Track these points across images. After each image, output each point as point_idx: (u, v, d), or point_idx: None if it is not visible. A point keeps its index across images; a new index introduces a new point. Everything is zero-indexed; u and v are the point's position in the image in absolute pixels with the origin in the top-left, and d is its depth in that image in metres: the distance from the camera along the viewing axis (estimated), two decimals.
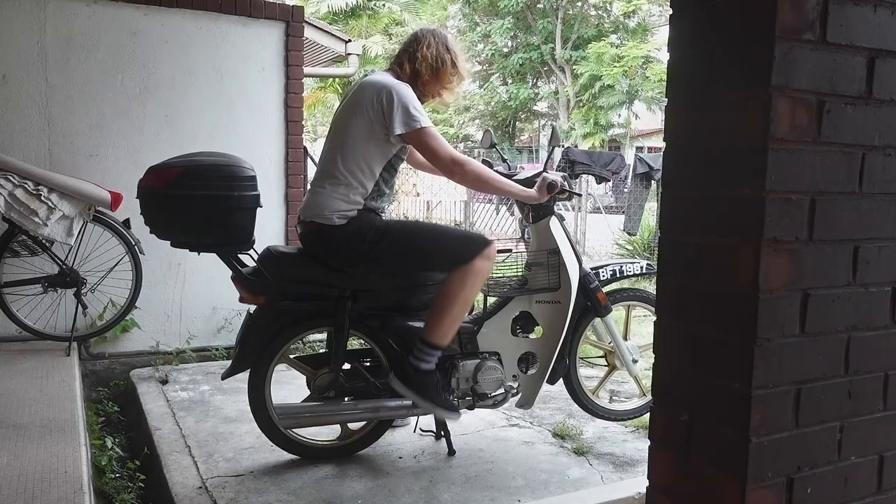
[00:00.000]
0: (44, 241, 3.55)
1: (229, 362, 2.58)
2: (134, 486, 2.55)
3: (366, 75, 2.67)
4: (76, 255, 3.67)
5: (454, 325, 2.47)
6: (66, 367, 3.37)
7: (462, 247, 2.45)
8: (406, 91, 2.41)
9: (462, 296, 2.42)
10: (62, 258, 3.64)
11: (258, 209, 2.50)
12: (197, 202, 2.36)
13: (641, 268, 3.00)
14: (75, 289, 3.65)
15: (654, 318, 1.36)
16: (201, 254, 2.65)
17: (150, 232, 2.45)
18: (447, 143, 2.49)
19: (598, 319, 2.88)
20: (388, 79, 2.46)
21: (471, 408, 2.64)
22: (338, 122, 2.49)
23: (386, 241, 2.41)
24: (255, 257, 2.54)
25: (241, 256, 2.56)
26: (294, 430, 2.59)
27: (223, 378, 2.57)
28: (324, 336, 3.13)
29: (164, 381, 3.57)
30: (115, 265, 3.71)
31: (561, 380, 2.85)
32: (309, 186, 2.63)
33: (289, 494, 2.35)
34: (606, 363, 3.05)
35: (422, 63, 2.51)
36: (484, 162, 2.79)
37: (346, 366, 2.58)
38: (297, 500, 2.31)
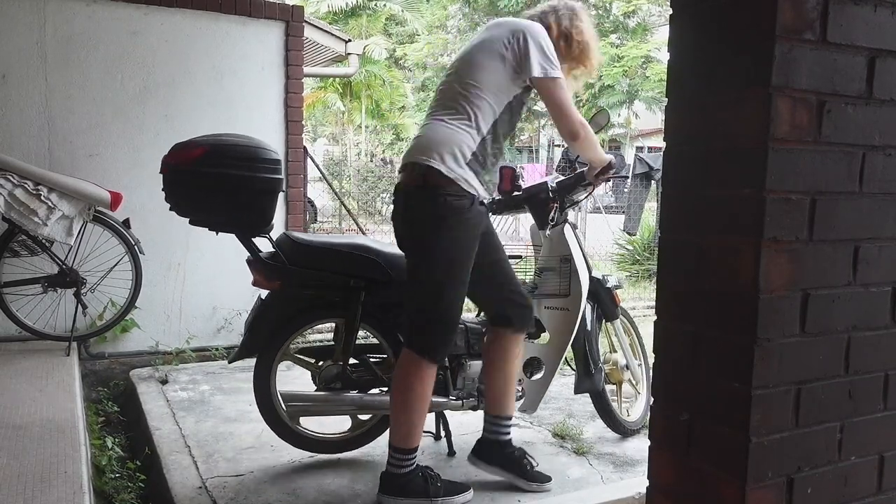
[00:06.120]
0: (44, 240, 3.55)
1: (235, 351, 2.57)
2: (134, 486, 2.55)
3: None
4: (76, 254, 3.67)
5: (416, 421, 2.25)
6: (66, 367, 3.36)
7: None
8: (544, 33, 2.26)
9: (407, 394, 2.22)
10: (62, 258, 3.63)
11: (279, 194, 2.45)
12: (228, 181, 2.30)
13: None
14: (75, 289, 3.65)
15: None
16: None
17: (171, 209, 2.38)
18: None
19: (606, 323, 2.88)
20: (525, 21, 2.31)
21: (475, 408, 2.64)
22: (466, 58, 2.28)
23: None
24: (271, 243, 2.50)
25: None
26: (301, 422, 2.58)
27: (230, 362, 2.60)
28: (324, 336, 3.11)
29: (164, 381, 3.57)
30: (115, 265, 3.71)
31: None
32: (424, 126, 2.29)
33: (289, 494, 2.35)
34: (611, 380, 2.95)
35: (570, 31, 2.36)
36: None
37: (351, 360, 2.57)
38: (297, 500, 2.31)
